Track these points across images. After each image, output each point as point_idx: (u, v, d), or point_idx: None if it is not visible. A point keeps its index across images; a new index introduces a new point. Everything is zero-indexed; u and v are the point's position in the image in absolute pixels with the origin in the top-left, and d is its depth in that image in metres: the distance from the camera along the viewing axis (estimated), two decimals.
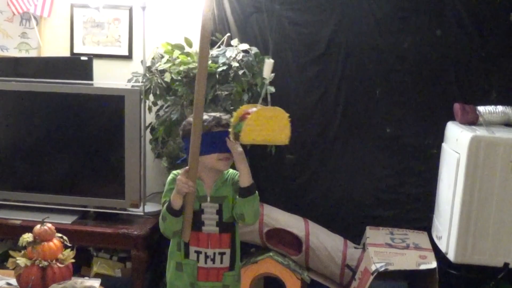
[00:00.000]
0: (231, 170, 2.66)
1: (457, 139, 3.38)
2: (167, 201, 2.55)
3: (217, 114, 2.58)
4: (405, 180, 3.92)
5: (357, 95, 3.87)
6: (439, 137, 3.71)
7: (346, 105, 3.89)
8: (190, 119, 2.54)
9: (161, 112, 3.75)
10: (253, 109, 2.37)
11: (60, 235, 2.97)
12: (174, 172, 2.64)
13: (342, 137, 3.88)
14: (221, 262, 2.59)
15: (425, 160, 3.86)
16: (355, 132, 3.92)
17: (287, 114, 2.40)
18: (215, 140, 2.51)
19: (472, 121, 3.53)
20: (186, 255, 2.58)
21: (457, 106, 3.59)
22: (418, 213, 3.91)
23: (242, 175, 2.50)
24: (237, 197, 2.55)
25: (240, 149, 2.48)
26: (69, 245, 2.97)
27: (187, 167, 2.46)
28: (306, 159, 3.98)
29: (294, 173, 4.01)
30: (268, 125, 2.37)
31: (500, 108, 3.55)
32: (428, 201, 3.81)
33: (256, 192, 2.55)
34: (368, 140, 3.92)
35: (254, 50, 3.70)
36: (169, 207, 2.50)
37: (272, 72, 3.66)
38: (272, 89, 3.69)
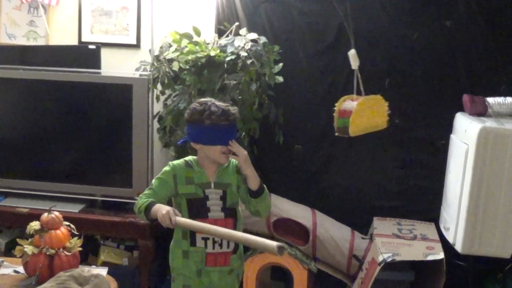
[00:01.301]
0: (231, 158, 2.67)
1: (466, 130, 3.35)
2: (154, 188, 2.60)
3: (226, 107, 2.57)
4: (413, 171, 3.91)
5: (366, 86, 3.70)
6: (448, 128, 3.68)
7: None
8: (197, 105, 2.57)
9: (169, 101, 3.74)
10: (347, 104, 2.41)
11: (67, 223, 2.97)
12: (171, 163, 2.66)
13: None
14: (228, 247, 2.62)
15: (433, 151, 3.84)
16: None
17: (383, 99, 2.40)
18: (221, 133, 2.53)
19: (481, 112, 3.49)
20: (193, 243, 2.60)
21: (466, 97, 3.56)
22: (426, 204, 3.89)
23: (250, 178, 2.55)
24: (250, 198, 2.60)
25: (245, 152, 2.53)
26: (76, 233, 2.97)
27: (175, 214, 2.44)
28: (314, 149, 3.97)
29: (302, 164, 4.00)
30: (370, 113, 2.39)
31: (509, 99, 3.51)
32: (436, 192, 3.78)
33: (265, 188, 2.61)
34: (376, 131, 3.75)
35: (263, 39, 3.68)
36: (147, 213, 2.51)
37: (281, 62, 3.66)
38: (280, 79, 3.67)
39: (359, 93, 3.33)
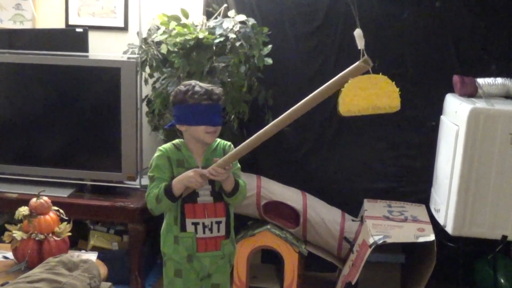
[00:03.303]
0: (219, 140, 2.68)
1: (456, 111, 3.35)
2: (156, 177, 2.56)
3: (210, 87, 2.58)
4: (403, 152, 3.92)
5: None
6: (438, 109, 3.68)
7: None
8: (181, 87, 2.58)
9: (157, 85, 3.72)
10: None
11: (56, 208, 2.94)
12: (161, 148, 2.64)
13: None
14: (218, 231, 2.61)
15: (423, 132, 3.85)
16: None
17: (389, 80, 2.34)
18: (204, 112, 2.53)
19: (471, 93, 3.49)
20: (183, 227, 2.58)
21: (456, 78, 3.55)
22: (416, 186, 3.91)
23: (225, 183, 2.54)
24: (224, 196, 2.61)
25: (224, 176, 2.49)
26: (66, 218, 2.95)
27: (202, 170, 2.49)
28: (303, 132, 3.96)
29: (291, 146, 4.00)
30: (369, 93, 2.32)
31: (499, 80, 3.51)
32: (426, 174, 3.79)
33: (240, 184, 2.60)
34: None
35: (251, 21, 3.65)
36: (169, 192, 2.50)
37: (270, 44, 3.65)
38: (269, 60, 3.65)
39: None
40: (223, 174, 2.47)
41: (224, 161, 2.48)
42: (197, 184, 2.47)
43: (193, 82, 2.58)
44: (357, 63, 2.27)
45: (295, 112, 2.45)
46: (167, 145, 2.65)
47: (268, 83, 3.80)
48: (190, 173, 2.47)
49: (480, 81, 3.50)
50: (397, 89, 2.34)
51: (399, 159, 3.92)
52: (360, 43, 2.67)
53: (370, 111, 2.40)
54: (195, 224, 2.57)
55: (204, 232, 2.58)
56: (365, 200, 3.83)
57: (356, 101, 2.35)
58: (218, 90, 2.60)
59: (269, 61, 3.66)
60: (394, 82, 2.36)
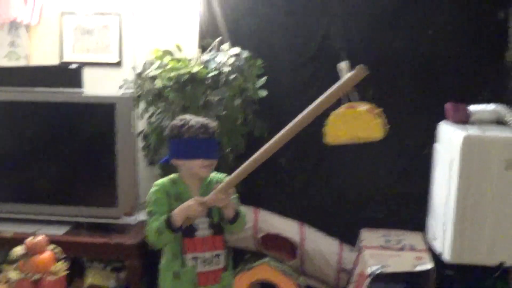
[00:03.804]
0: (214, 173, 2.69)
1: (449, 139, 3.38)
2: (155, 211, 2.56)
3: (205, 121, 2.61)
4: (399, 180, 3.92)
5: None
6: (432, 137, 3.72)
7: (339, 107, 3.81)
8: (177, 121, 2.61)
9: (152, 119, 3.74)
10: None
11: (52, 246, 2.94)
12: (156, 183, 2.65)
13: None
14: (218, 264, 2.62)
15: (418, 160, 3.85)
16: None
17: (370, 113, 2.43)
18: (200, 146, 2.55)
19: (464, 120, 3.52)
20: (183, 263, 2.58)
21: (448, 106, 3.59)
22: (413, 214, 3.90)
23: (226, 210, 2.55)
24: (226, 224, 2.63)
25: (222, 203, 2.51)
26: (62, 256, 2.95)
27: (202, 198, 2.50)
28: (300, 162, 3.99)
29: (288, 177, 4.01)
30: (353, 125, 2.42)
31: (491, 106, 3.56)
32: (422, 202, 3.80)
33: (241, 211, 2.61)
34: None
35: (245, 54, 3.69)
36: (170, 223, 2.49)
37: (264, 75, 3.74)
38: (264, 93, 3.70)
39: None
40: (224, 200, 2.48)
41: (224, 186, 2.48)
42: (197, 212, 2.47)
43: (188, 116, 2.61)
44: (353, 71, 2.31)
45: (296, 126, 2.54)
46: (163, 180, 2.66)
47: (264, 115, 3.81)
48: (190, 202, 2.48)
49: (472, 107, 3.54)
50: (379, 121, 2.46)
51: (395, 187, 3.93)
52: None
53: (354, 141, 2.55)
54: (195, 259, 2.58)
55: (204, 266, 2.58)
56: (362, 230, 3.83)
57: (340, 133, 2.48)
58: (213, 123, 2.63)
59: (264, 93, 3.70)
60: (379, 111, 2.44)
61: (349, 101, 3.00)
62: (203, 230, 2.59)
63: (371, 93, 3.75)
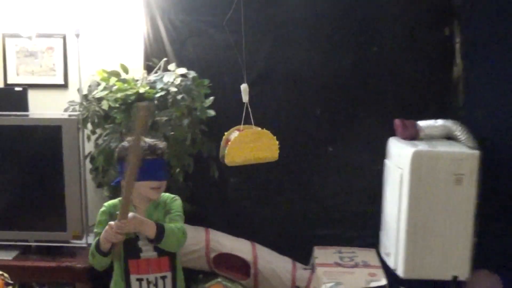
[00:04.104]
0: (163, 194, 2.90)
1: (399, 155, 3.67)
2: (98, 233, 2.78)
3: (153, 142, 2.83)
4: (350, 197, 4.21)
5: (298, 116, 4.16)
6: (382, 153, 3.98)
7: (287, 126, 4.12)
8: (125, 143, 2.82)
9: (100, 141, 3.91)
10: (234, 134, 2.70)
11: (0, 272, 3.10)
12: (106, 204, 2.89)
13: (285, 158, 3.94)
14: (164, 286, 2.84)
15: (369, 176, 4.14)
16: (297, 152, 4.16)
17: (271, 135, 2.81)
18: (149, 168, 2.73)
19: (413, 136, 3.81)
20: (128, 284, 2.83)
21: (397, 122, 3.87)
22: (366, 230, 4.19)
23: (145, 231, 2.69)
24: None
25: (130, 226, 2.62)
26: (11, 282, 3.10)
27: (111, 223, 2.63)
28: (250, 181, 4.21)
29: (238, 196, 4.25)
30: (253, 145, 2.82)
31: (439, 122, 3.85)
32: (375, 218, 4.07)
33: (165, 229, 2.72)
34: (311, 160, 4.21)
35: (192, 74, 3.89)
36: (98, 247, 2.71)
37: (212, 95, 3.94)
38: (212, 112, 3.89)
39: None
40: (126, 226, 2.58)
41: (120, 214, 2.61)
42: (114, 237, 2.59)
43: None
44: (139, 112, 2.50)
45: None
46: (113, 201, 2.91)
47: (212, 135, 3.95)
48: (107, 226, 2.62)
49: (421, 123, 3.86)
50: (277, 143, 2.80)
51: (346, 204, 4.21)
52: (245, 97, 3.11)
53: (252, 161, 2.88)
54: (139, 280, 2.81)
55: None
56: (315, 247, 4.10)
57: (240, 153, 2.80)
58: (161, 144, 2.85)
59: (212, 112, 3.88)
60: (275, 137, 2.75)
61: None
62: (147, 252, 2.81)
63: (318, 112, 4.16)
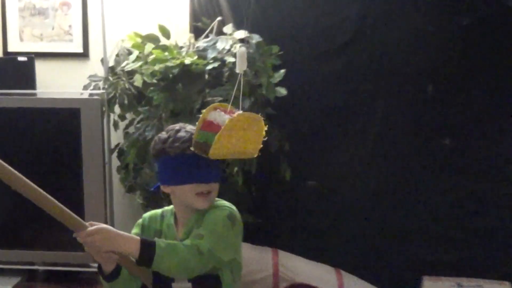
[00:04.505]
0: (218, 202, 2.69)
1: None
2: None
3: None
4: (474, 209, 3.99)
5: (401, 96, 4.00)
6: None
7: (385, 110, 3.98)
8: (163, 133, 2.63)
9: (131, 129, 3.85)
10: (217, 115, 2.51)
11: None
12: (145, 215, 2.71)
13: (382, 154, 3.96)
14: None
15: (501, 181, 3.93)
16: (400, 147, 4.02)
17: (263, 122, 2.59)
18: (191, 166, 2.56)
19: None
20: None
21: None
22: (495, 256, 3.96)
23: (121, 247, 2.42)
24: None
25: (89, 240, 2.42)
26: None
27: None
28: (334, 186, 4.09)
29: (318, 206, 4.12)
30: (243, 135, 2.56)
31: None
32: (508, 239, 3.90)
33: (159, 244, 2.46)
34: (420, 157, 4.01)
35: (256, 38, 3.76)
36: (99, 268, 2.52)
37: (282, 68, 3.83)
38: (283, 91, 3.79)
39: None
40: (85, 239, 2.40)
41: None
42: (96, 255, 2.42)
43: (178, 125, 2.63)
44: None
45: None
46: (155, 211, 2.72)
47: (282, 122, 3.92)
48: None
49: None
50: (263, 135, 2.58)
51: (469, 218, 3.99)
52: (241, 66, 2.89)
53: (236, 156, 2.66)
54: None
55: None
56: (424, 278, 3.91)
57: (229, 144, 2.56)
58: None
59: (283, 91, 3.79)
60: (265, 127, 2.59)
61: None
62: (181, 282, 2.61)
63: (430, 89, 3.92)
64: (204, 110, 2.56)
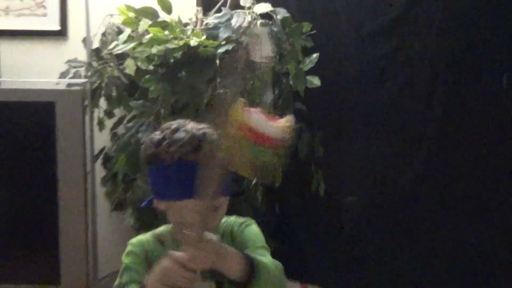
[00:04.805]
0: (225, 219, 2.66)
1: None
2: (124, 284, 2.55)
3: (202, 131, 2.51)
4: None
5: (467, 89, 3.93)
6: None
7: (447, 111, 3.94)
8: (157, 132, 2.56)
9: (121, 129, 3.82)
10: (256, 118, 2.41)
11: None
12: (133, 241, 2.65)
13: (440, 164, 3.88)
14: None
15: None
16: (465, 154, 3.92)
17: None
18: (193, 176, 2.42)
19: None
20: None
21: None
22: None
23: (226, 270, 2.43)
24: None
25: (207, 261, 2.38)
26: None
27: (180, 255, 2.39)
28: (379, 202, 3.99)
29: (359, 227, 4.09)
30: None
31: None
32: None
33: (259, 262, 2.46)
34: (491, 170, 3.89)
35: (282, 13, 3.79)
36: None
37: (316, 51, 3.78)
38: (316, 81, 3.80)
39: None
40: (204, 258, 2.35)
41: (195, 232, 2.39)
42: (183, 280, 2.37)
43: (176, 123, 2.52)
44: None
45: None
46: (145, 235, 2.66)
47: (315, 120, 3.87)
48: (165, 263, 2.39)
49: None
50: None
51: None
52: (263, 51, 2.90)
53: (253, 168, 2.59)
54: None
55: None
56: None
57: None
58: (213, 134, 2.57)
59: (316, 81, 3.80)
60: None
61: None
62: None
63: (505, 81, 3.78)
64: (235, 110, 2.42)
